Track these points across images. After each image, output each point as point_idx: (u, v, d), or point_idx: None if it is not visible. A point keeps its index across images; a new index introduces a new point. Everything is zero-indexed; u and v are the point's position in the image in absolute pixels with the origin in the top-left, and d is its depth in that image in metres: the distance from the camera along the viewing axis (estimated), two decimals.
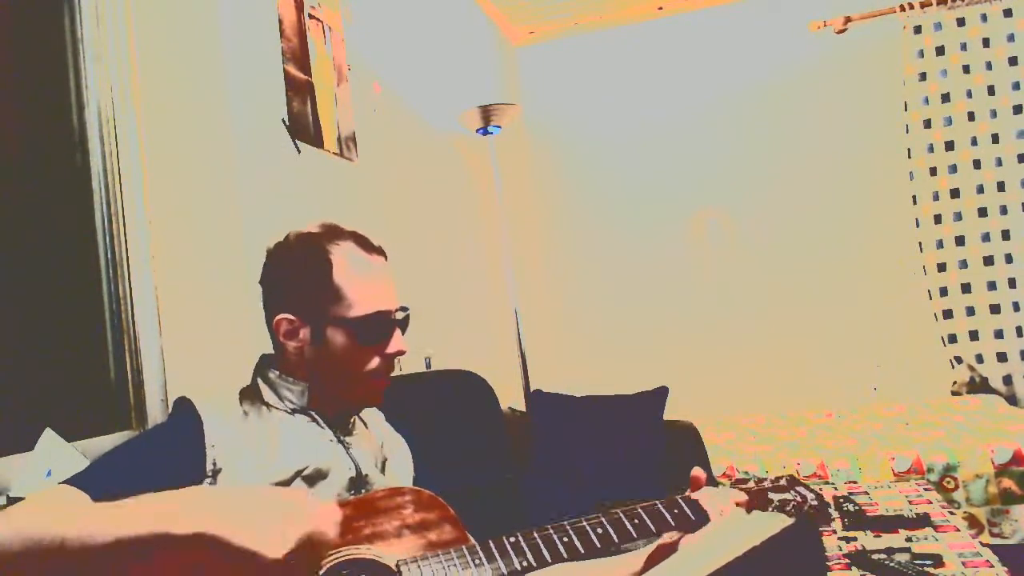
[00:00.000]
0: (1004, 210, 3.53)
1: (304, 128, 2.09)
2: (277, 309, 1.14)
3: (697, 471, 1.08)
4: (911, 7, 3.62)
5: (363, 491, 1.10)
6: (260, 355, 1.20)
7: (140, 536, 0.79)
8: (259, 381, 1.16)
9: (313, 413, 1.14)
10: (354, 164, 2.35)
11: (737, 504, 1.05)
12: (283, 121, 2.01)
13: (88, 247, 1.58)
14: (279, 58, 2.03)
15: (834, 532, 1.84)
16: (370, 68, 2.56)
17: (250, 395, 1.14)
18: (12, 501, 1.16)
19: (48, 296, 1.53)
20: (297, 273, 1.13)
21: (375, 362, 1.13)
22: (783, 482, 1.11)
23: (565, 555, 0.96)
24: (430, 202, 3.02)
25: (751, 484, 1.12)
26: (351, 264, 1.12)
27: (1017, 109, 3.52)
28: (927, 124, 3.61)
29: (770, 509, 1.05)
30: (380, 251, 1.17)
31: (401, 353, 1.14)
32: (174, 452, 1.02)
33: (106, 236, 1.59)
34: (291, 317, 1.12)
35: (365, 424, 1.23)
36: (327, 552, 0.87)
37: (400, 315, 1.15)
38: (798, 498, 1.08)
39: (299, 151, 2.05)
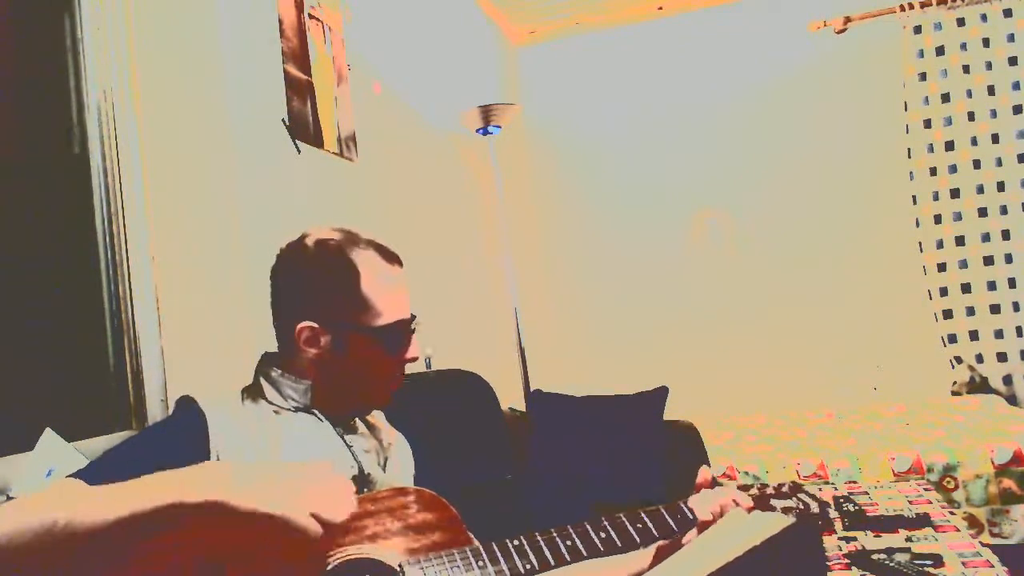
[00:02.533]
0: (1004, 210, 3.53)
1: (304, 128, 2.09)
2: (296, 314, 1.14)
3: (704, 472, 1.09)
4: (911, 7, 3.62)
5: (365, 490, 1.10)
6: (262, 353, 1.20)
7: (151, 509, 0.77)
8: (261, 380, 1.16)
9: (316, 412, 1.14)
10: (354, 164, 2.34)
11: (735, 502, 1.05)
12: (283, 121, 2.01)
13: (88, 247, 1.58)
14: (279, 58, 2.03)
15: (834, 532, 1.84)
16: (370, 68, 2.56)
17: (252, 394, 1.15)
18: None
19: (48, 296, 1.53)
20: (322, 281, 1.14)
21: (394, 368, 1.16)
22: (786, 489, 1.12)
23: (568, 558, 0.96)
24: (430, 202, 3.02)
25: (754, 490, 1.12)
26: (376, 275, 1.14)
27: (1017, 109, 3.52)
28: (927, 124, 3.61)
29: None
30: (399, 260, 1.20)
31: (415, 359, 1.17)
32: (178, 450, 1.02)
33: (106, 236, 1.58)
34: (313, 325, 1.12)
35: (367, 422, 1.24)
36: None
37: (414, 322, 1.18)
38: (800, 505, 1.09)
39: (299, 151, 2.05)
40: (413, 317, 1.19)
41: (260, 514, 0.77)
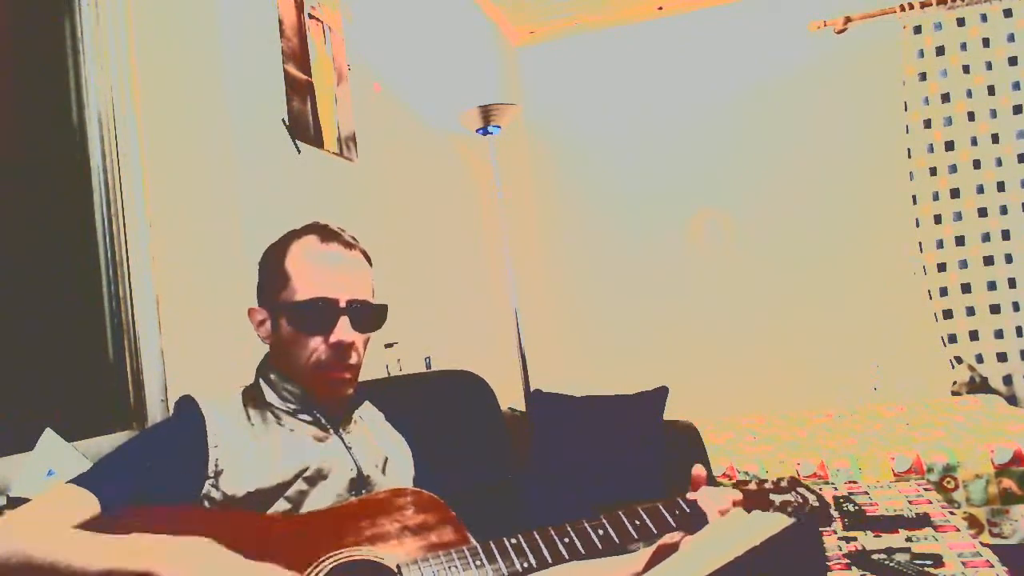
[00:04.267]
0: (1004, 210, 3.53)
1: (304, 128, 2.09)
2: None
3: (698, 469, 1.08)
4: (911, 7, 3.62)
5: (364, 491, 1.10)
6: (264, 355, 1.20)
7: (131, 571, 0.80)
8: (261, 381, 1.16)
9: (317, 413, 1.14)
10: (354, 164, 2.34)
11: (735, 503, 1.05)
12: (283, 121, 2.01)
13: (88, 247, 1.58)
14: (279, 58, 2.03)
15: (834, 532, 1.84)
16: (370, 68, 2.56)
17: (252, 395, 1.15)
18: (12, 501, 1.17)
19: (48, 296, 1.53)
20: (262, 265, 1.17)
21: (321, 351, 1.10)
22: (784, 483, 1.12)
23: (566, 556, 0.96)
24: (430, 202, 3.02)
25: (752, 485, 1.12)
26: (303, 251, 1.13)
27: (1017, 109, 3.52)
28: (927, 124, 3.61)
29: (771, 510, 1.05)
30: (342, 241, 1.15)
31: (345, 344, 1.09)
32: (177, 451, 1.03)
33: (106, 236, 1.59)
34: (257, 308, 1.16)
35: (366, 424, 1.23)
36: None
37: (349, 305, 1.10)
38: (799, 499, 1.08)
39: (299, 151, 2.05)
40: (358, 302, 1.12)
41: None
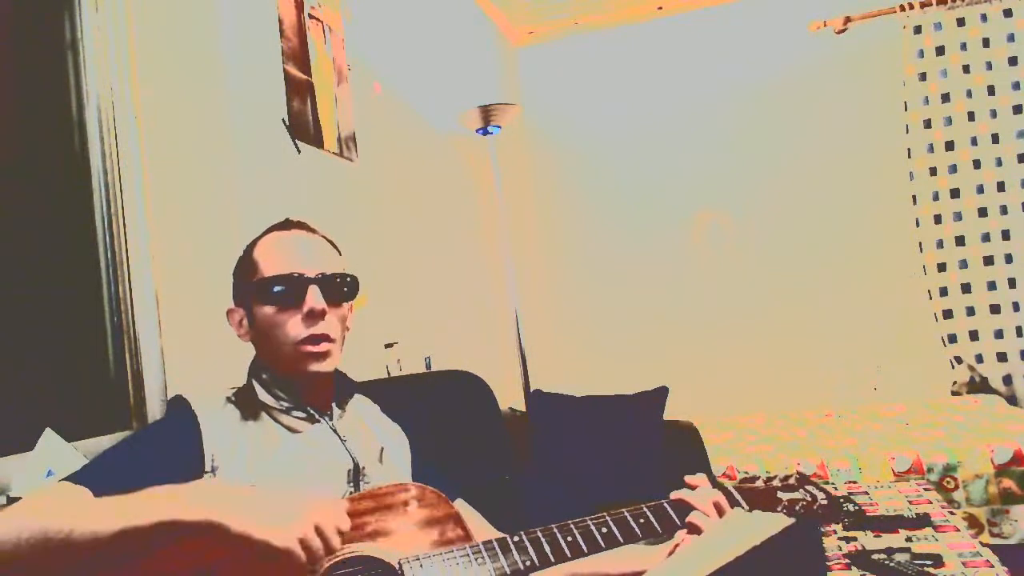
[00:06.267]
0: (1004, 210, 3.53)
1: (304, 128, 2.09)
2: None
3: (691, 480, 1.08)
4: (911, 7, 3.62)
5: (361, 483, 1.10)
6: (254, 357, 1.20)
7: (148, 525, 0.79)
8: (253, 382, 1.16)
9: (308, 409, 1.14)
10: (354, 164, 2.34)
11: (715, 503, 1.04)
12: (283, 121, 2.01)
13: (88, 247, 1.58)
14: (279, 58, 2.03)
15: (834, 532, 1.84)
16: (370, 68, 2.56)
17: (245, 395, 1.15)
18: (12, 501, 1.16)
19: (48, 296, 1.53)
20: (235, 270, 1.21)
21: (297, 325, 1.10)
22: (792, 480, 1.10)
23: (569, 554, 0.96)
24: (430, 202, 3.02)
25: (760, 483, 1.11)
26: (267, 242, 1.17)
27: (1017, 109, 3.52)
28: (927, 124, 3.61)
29: (779, 508, 1.04)
30: (304, 227, 1.20)
31: (316, 311, 1.10)
32: (172, 450, 1.03)
33: (106, 236, 1.59)
34: (233, 307, 1.18)
35: (360, 416, 1.23)
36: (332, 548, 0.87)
37: (317, 276, 1.12)
38: (808, 497, 1.07)
39: (299, 151, 2.05)
40: (330, 275, 1.13)
41: (251, 539, 0.79)
